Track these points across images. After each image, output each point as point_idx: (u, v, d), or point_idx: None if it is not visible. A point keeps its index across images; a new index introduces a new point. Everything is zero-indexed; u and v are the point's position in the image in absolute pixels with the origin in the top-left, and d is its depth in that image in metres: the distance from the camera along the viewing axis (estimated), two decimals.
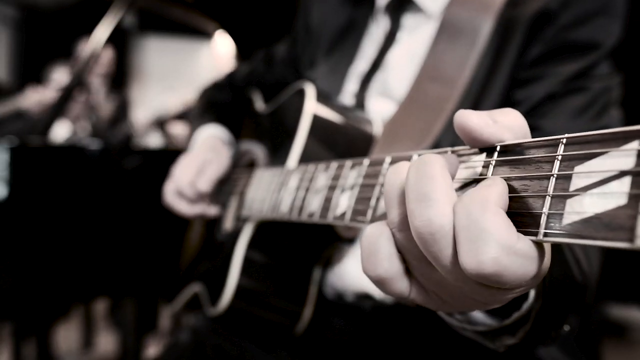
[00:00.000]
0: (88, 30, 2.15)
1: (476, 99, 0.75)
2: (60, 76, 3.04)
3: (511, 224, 0.32)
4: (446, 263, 0.34)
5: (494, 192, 0.32)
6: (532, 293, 0.46)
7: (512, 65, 0.74)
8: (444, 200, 0.33)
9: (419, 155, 0.43)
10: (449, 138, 0.74)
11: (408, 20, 0.86)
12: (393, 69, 0.85)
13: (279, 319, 0.82)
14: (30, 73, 3.68)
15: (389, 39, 0.86)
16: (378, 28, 0.90)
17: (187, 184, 0.95)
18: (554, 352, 0.76)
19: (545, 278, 0.40)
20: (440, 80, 0.76)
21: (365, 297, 0.81)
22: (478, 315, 0.50)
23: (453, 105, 0.75)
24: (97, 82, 3.17)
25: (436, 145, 0.74)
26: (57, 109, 2.00)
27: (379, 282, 0.39)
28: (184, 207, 0.97)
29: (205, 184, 0.95)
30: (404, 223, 0.37)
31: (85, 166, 1.67)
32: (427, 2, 0.83)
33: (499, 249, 0.31)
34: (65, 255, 1.63)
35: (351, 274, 0.81)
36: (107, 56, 3.26)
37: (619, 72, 0.75)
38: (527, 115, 0.71)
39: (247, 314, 0.81)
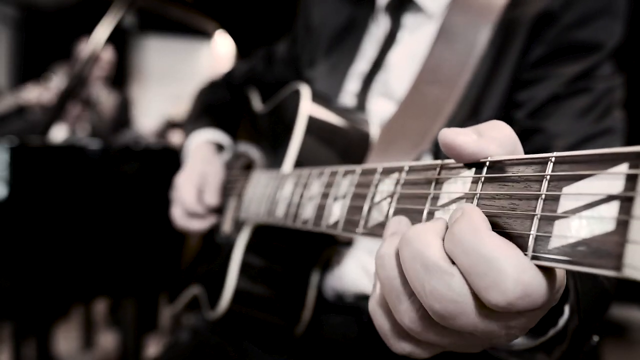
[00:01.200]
0: (88, 30, 2.15)
1: (477, 101, 0.74)
2: (59, 78, 3.04)
3: (508, 242, 0.30)
4: (477, 327, 0.32)
5: (476, 218, 0.31)
6: (566, 309, 0.44)
7: (514, 67, 0.73)
8: (451, 271, 0.32)
9: (408, 170, 0.43)
10: None
11: (409, 20, 0.86)
12: (394, 69, 0.84)
13: (278, 321, 0.81)
14: (30, 73, 3.68)
15: (390, 39, 0.86)
16: (378, 28, 0.90)
17: (194, 202, 0.96)
18: None
19: (578, 292, 0.39)
20: (439, 83, 0.76)
21: (364, 297, 0.81)
22: None
23: (451, 108, 0.74)
24: (97, 83, 3.16)
25: (435, 147, 0.74)
26: (57, 110, 1.99)
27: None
28: (197, 225, 0.98)
29: (212, 196, 0.96)
30: (413, 311, 0.35)
31: (85, 166, 1.67)
32: (428, 2, 0.82)
33: (514, 270, 0.29)
34: (65, 255, 1.63)
35: (350, 275, 0.81)
36: (107, 57, 3.26)
37: (621, 72, 0.75)
38: (530, 116, 0.71)
39: (246, 316, 0.81)
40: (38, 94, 2.81)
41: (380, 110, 0.84)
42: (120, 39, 5.72)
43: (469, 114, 0.74)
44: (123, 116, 3.36)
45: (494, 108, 0.74)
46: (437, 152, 0.75)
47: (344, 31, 0.95)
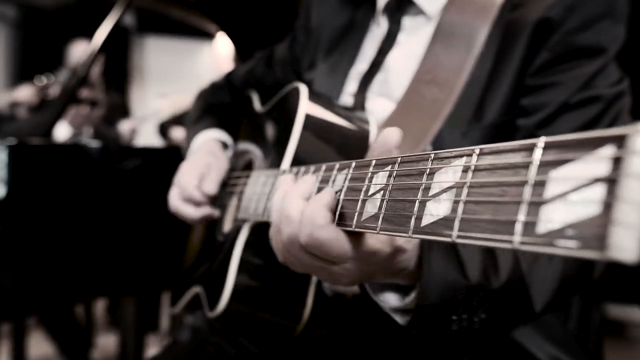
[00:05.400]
0: (88, 30, 2.15)
1: (479, 103, 0.75)
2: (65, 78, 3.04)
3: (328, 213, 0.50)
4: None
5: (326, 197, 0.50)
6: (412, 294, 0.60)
7: (517, 71, 0.73)
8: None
9: (400, 162, 0.44)
10: (445, 141, 0.74)
11: (408, 22, 0.86)
12: (393, 70, 0.85)
13: (278, 320, 0.81)
14: (29, 73, 3.68)
15: (389, 40, 0.86)
16: (378, 29, 0.90)
17: (193, 187, 0.96)
18: (554, 351, 0.76)
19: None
20: (437, 83, 0.76)
21: (363, 296, 0.81)
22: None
23: (449, 108, 0.75)
24: (98, 84, 3.16)
25: (436, 146, 0.75)
26: (58, 110, 1.99)
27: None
28: (190, 211, 0.97)
29: (211, 185, 0.96)
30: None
31: (85, 165, 1.67)
32: (427, 3, 0.83)
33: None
34: (66, 255, 1.63)
35: None
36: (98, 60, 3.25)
37: (626, 76, 0.75)
38: (539, 126, 0.71)
39: (245, 315, 0.81)
40: (30, 93, 2.83)
41: (379, 110, 0.84)
42: (120, 39, 5.74)
43: (473, 116, 0.75)
44: (115, 117, 3.38)
45: (498, 111, 0.74)
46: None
47: (344, 33, 0.96)
